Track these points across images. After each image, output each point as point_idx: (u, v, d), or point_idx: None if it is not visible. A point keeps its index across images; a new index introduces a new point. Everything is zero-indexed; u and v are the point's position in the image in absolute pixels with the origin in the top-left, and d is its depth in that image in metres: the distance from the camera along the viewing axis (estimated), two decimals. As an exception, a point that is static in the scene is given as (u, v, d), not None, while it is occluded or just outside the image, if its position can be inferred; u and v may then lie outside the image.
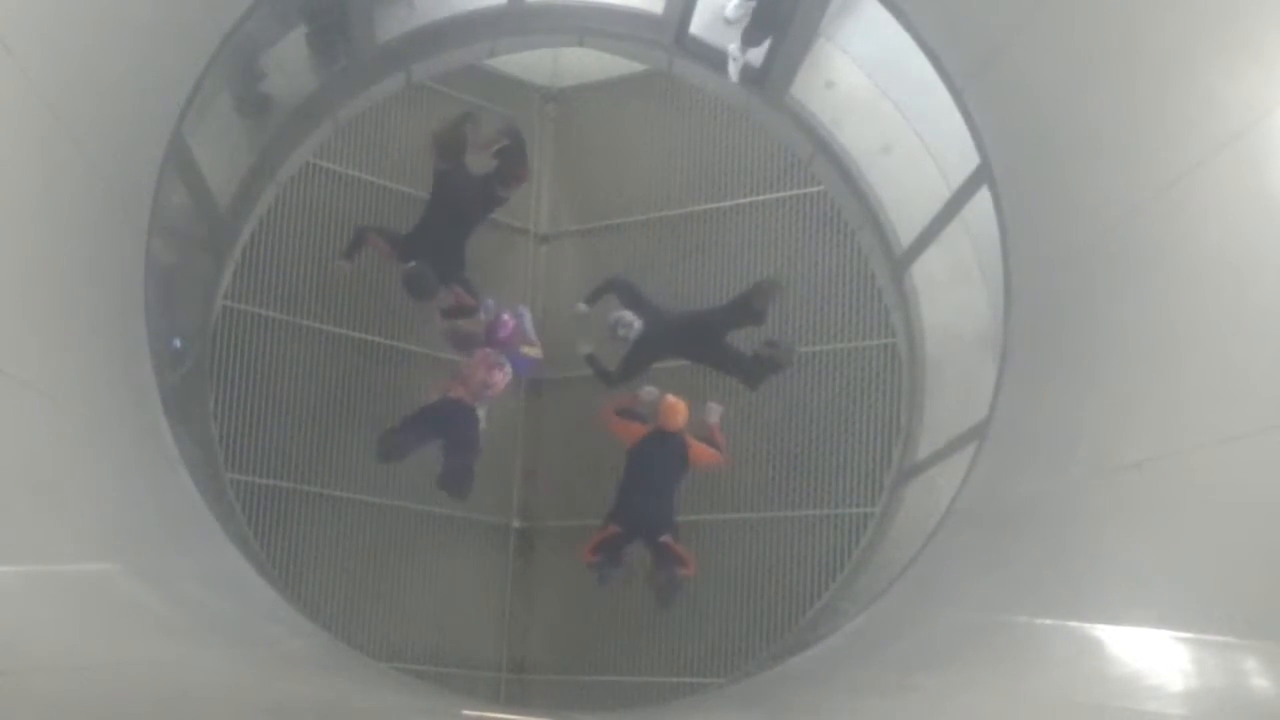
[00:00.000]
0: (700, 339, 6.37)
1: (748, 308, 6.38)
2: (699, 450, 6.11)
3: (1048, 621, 3.23)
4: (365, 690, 4.53)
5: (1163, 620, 2.75)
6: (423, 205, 6.63)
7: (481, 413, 6.12)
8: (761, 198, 7.62)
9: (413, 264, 6.16)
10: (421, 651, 7.22)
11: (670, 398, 6.05)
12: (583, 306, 6.37)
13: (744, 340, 6.58)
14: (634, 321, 6.13)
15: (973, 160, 5.16)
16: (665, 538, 6.02)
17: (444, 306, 6.45)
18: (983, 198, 5.10)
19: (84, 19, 3.26)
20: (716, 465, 6.33)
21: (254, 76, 6.39)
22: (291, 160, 6.97)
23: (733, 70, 6.83)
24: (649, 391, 6.32)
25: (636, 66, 7.64)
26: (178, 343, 6.05)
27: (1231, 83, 2.89)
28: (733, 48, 6.77)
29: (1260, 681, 2.43)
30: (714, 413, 6.28)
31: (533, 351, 6.48)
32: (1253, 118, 2.76)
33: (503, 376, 6.09)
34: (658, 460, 6.04)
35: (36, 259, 3.16)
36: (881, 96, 6.89)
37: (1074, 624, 3.07)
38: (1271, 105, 2.70)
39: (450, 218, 6.42)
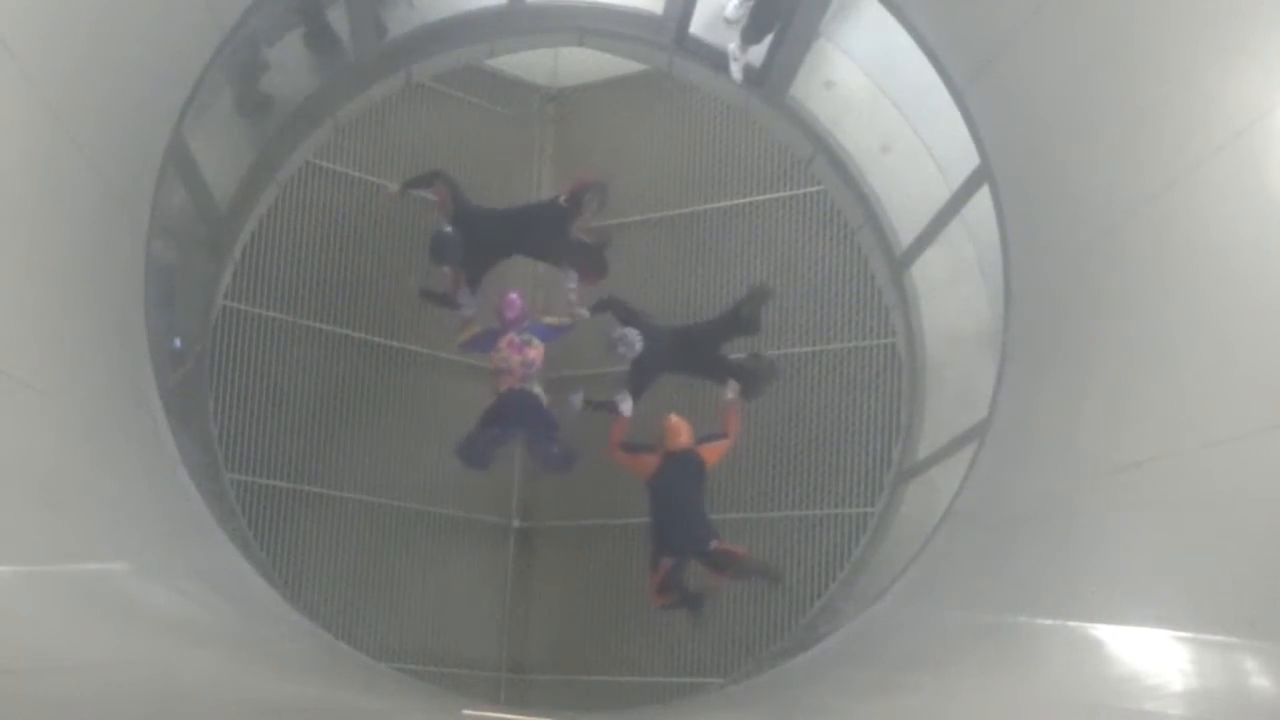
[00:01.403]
0: (695, 351, 6.35)
1: (737, 317, 6.35)
2: (709, 452, 6.08)
3: (1048, 621, 3.24)
4: (365, 690, 4.53)
5: (1163, 620, 2.75)
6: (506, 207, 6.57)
7: (538, 389, 6.16)
8: (761, 198, 7.62)
9: (449, 229, 6.06)
10: (421, 651, 7.22)
11: (673, 419, 6.03)
12: (577, 400, 6.36)
13: (737, 351, 6.54)
14: (635, 340, 6.10)
15: (973, 160, 5.16)
16: (714, 544, 6.00)
17: (427, 288, 6.39)
18: (983, 198, 5.10)
19: (84, 20, 3.26)
20: (729, 450, 6.29)
21: (254, 75, 6.37)
22: (291, 160, 6.97)
23: (735, 70, 6.83)
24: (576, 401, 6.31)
25: (636, 66, 7.64)
26: (178, 343, 6.05)
27: (1231, 83, 2.89)
28: (732, 47, 6.77)
29: (1260, 681, 2.43)
30: (730, 389, 6.22)
31: (552, 319, 6.45)
32: (1253, 118, 2.76)
33: (536, 351, 6.09)
34: (679, 482, 6.01)
35: (36, 259, 3.16)
36: (881, 96, 6.89)
37: (1074, 624, 3.07)
38: (1271, 105, 2.70)
39: (516, 237, 6.34)
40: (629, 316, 6.24)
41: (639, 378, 6.21)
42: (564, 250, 6.44)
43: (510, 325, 6.14)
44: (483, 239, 6.16)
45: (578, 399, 6.23)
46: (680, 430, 5.98)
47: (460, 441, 6.26)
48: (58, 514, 3.01)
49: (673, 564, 6.02)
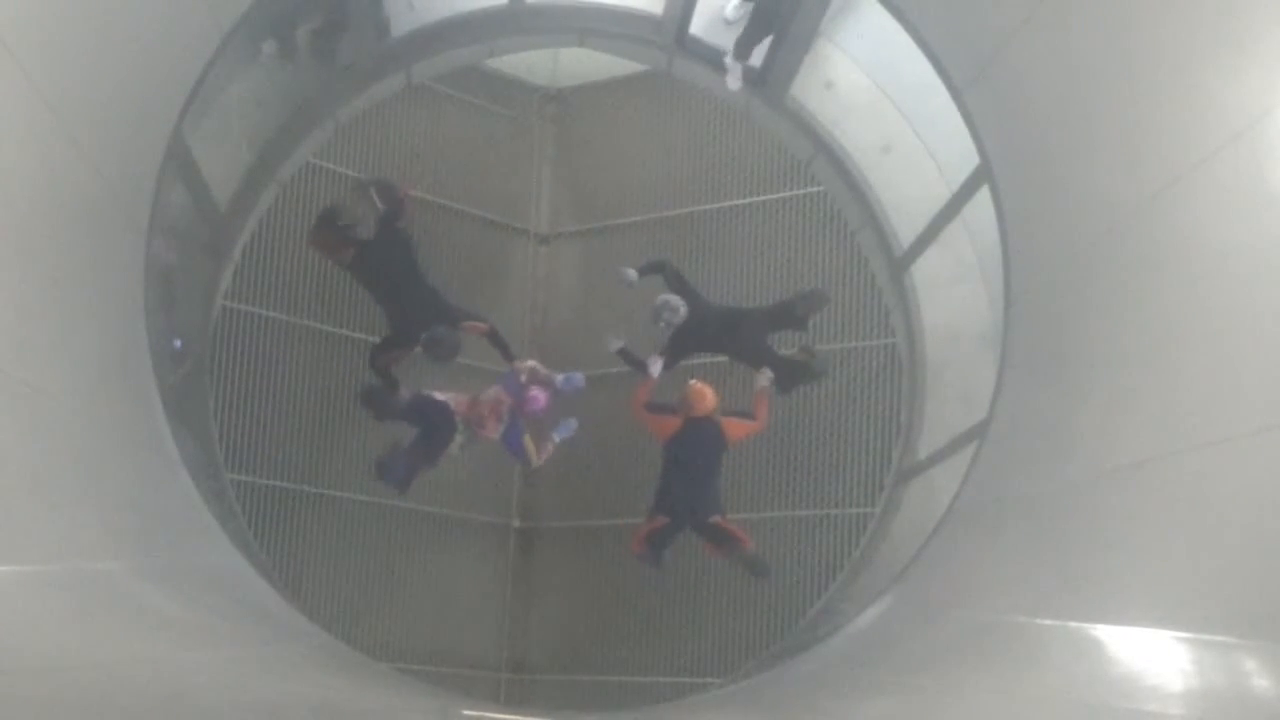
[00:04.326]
0: (740, 335, 6.27)
1: (792, 313, 6.29)
2: (733, 427, 6.03)
3: (1048, 621, 3.23)
4: (365, 690, 4.53)
5: (1163, 620, 2.75)
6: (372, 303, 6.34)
7: (459, 438, 6.05)
8: (762, 198, 7.62)
9: (425, 335, 5.95)
10: (421, 651, 7.22)
11: (696, 384, 5.99)
12: (632, 273, 6.25)
13: (781, 344, 6.50)
14: (680, 307, 6.01)
15: (973, 160, 5.17)
16: (715, 518, 5.95)
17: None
18: (983, 198, 5.10)
19: (84, 19, 3.26)
20: (756, 433, 6.24)
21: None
22: (291, 160, 6.97)
23: (730, 80, 6.82)
24: (615, 345, 6.20)
25: (636, 66, 7.64)
26: (178, 343, 6.05)
27: (1231, 83, 2.89)
28: (728, 59, 6.76)
29: (1260, 681, 2.43)
30: (764, 376, 6.17)
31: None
32: (1253, 118, 2.76)
33: (495, 427, 6.06)
34: (695, 448, 5.97)
35: (37, 259, 3.16)
36: (881, 96, 6.89)
37: (1074, 624, 3.07)
38: (1271, 105, 2.70)
39: (394, 283, 6.04)
40: (679, 285, 6.18)
41: (676, 347, 6.16)
42: None
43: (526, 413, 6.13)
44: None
45: (616, 343, 6.18)
46: (704, 395, 5.94)
47: (376, 387, 6.10)
48: (58, 514, 3.01)
49: (666, 524, 5.99)
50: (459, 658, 7.42)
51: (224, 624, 4.02)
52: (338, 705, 3.88)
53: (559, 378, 6.35)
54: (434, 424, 5.94)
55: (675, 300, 6.01)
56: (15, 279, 2.98)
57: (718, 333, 6.24)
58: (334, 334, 7.23)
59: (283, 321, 7.04)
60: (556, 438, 6.46)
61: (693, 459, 5.97)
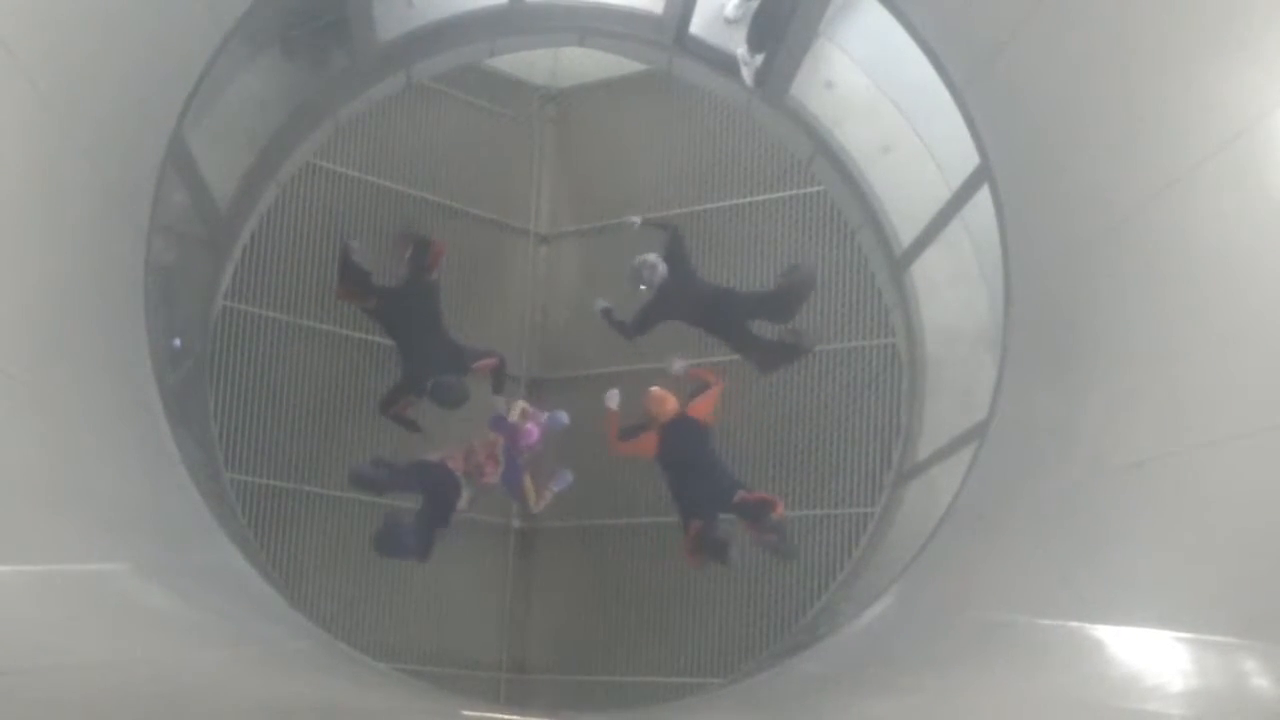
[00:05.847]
0: (722, 313, 6.23)
1: (780, 302, 6.21)
2: (702, 407, 6.00)
3: (1048, 621, 3.23)
4: (365, 690, 4.53)
5: (1163, 620, 2.75)
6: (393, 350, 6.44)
7: (467, 494, 6.05)
8: (761, 198, 7.62)
9: (433, 381, 6.02)
10: (421, 651, 7.23)
11: (654, 391, 5.98)
12: (636, 220, 6.25)
13: (766, 327, 6.39)
14: (659, 265, 5.95)
15: (973, 160, 5.16)
16: (738, 496, 5.85)
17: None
18: (983, 198, 5.10)
19: (85, 20, 3.26)
20: (720, 392, 6.17)
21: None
22: (291, 160, 6.97)
23: (746, 75, 6.81)
24: (679, 366, 6.23)
25: (636, 66, 7.64)
26: (178, 343, 6.05)
27: (1231, 83, 2.89)
28: (741, 52, 6.76)
29: (1260, 681, 2.42)
30: (676, 365, 6.18)
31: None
32: (1253, 118, 2.76)
33: (494, 470, 6.05)
34: (683, 449, 5.94)
35: (36, 259, 3.16)
36: (881, 96, 6.88)
37: (1074, 624, 3.07)
38: (1271, 105, 2.70)
39: (416, 333, 6.18)
40: (676, 250, 6.11)
41: (655, 310, 6.13)
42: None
43: (519, 448, 6.14)
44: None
45: (601, 303, 6.19)
46: (664, 399, 5.94)
47: (367, 463, 6.10)
48: (58, 514, 3.01)
49: (702, 525, 5.90)
50: (459, 658, 7.42)
51: (224, 624, 4.02)
52: (338, 705, 3.88)
53: (543, 416, 6.38)
54: (438, 487, 5.91)
55: (653, 259, 5.96)
56: (15, 278, 2.98)
57: (698, 305, 6.20)
58: (334, 334, 7.23)
59: (283, 321, 7.04)
60: (555, 488, 6.48)
61: (686, 459, 5.96)
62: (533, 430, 6.16)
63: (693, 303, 6.17)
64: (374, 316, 6.32)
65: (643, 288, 6.01)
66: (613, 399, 6.06)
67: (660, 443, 5.95)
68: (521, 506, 6.63)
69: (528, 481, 6.29)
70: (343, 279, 6.19)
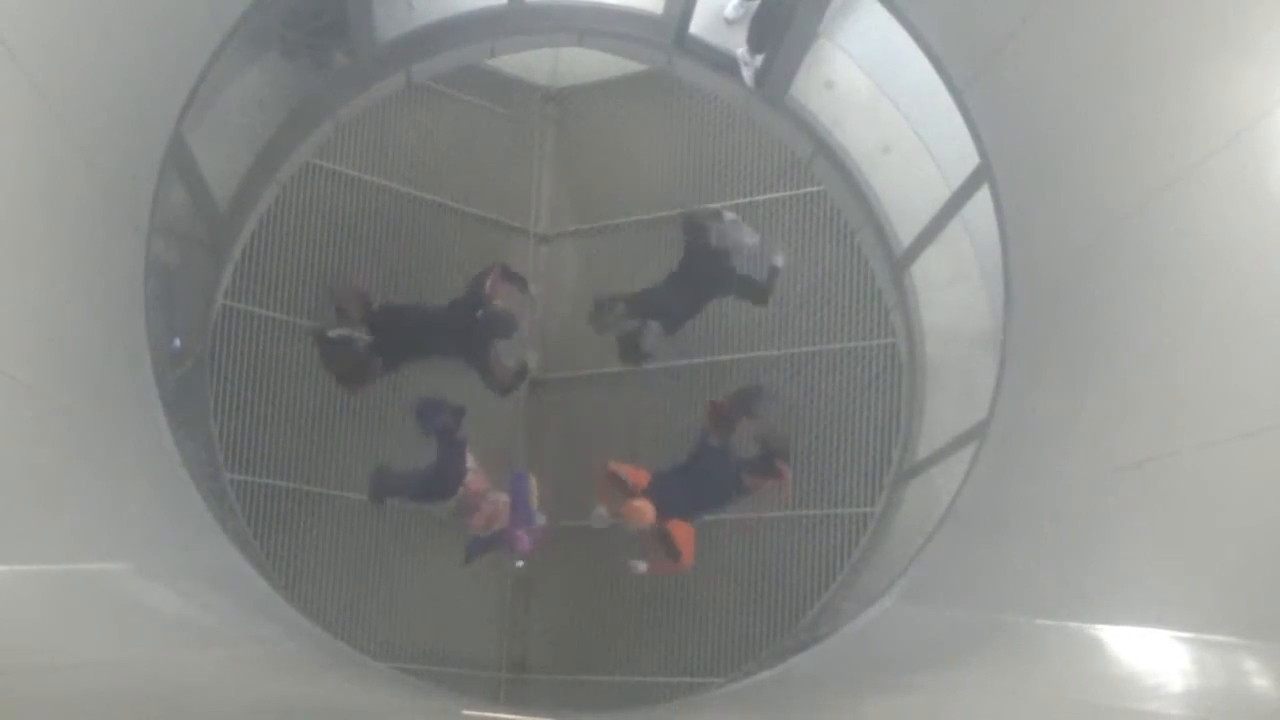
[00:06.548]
0: (699, 294, 6.55)
1: (747, 285, 6.52)
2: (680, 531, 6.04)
3: (1048, 621, 3.24)
4: (365, 690, 4.53)
5: (1163, 620, 2.75)
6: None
7: (452, 504, 6.15)
8: (761, 198, 7.62)
9: (418, 405, 6.15)
10: (421, 651, 7.21)
11: (633, 504, 5.94)
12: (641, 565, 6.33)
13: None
14: (656, 329, 6.31)
15: (973, 160, 5.17)
16: (747, 481, 6.15)
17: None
18: (983, 198, 5.10)
19: (84, 20, 3.26)
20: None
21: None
22: (291, 160, 6.97)
23: (747, 75, 6.83)
24: (599, 517, 6.27)
25: (636, 66, 7.64)
26: (178, 343, 6.05)
27: (1231, 83, 2.89)
28: (741, 52, 6.76)
29: (1260, 681, 2.43)
30: (639, 567, 6.25)
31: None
32: (1253, 118, 2.76)
33: (481, 527, 6.13)
34: (677, 494, 6.06)
35: (36, 259, 3.16)
36: (881, 96, 6.89)
37: (1074, 624, 3.07)
38: (1271, 105, 2.70)
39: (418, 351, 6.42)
40: (643, 308, 6.36)
41: (645, 307, 6.41)
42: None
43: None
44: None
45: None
46: (643, 511, 5.91)
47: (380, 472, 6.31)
48: (58, 514, 3.01)
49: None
50: (459, 658, 7.41)
51: (224, 624, 4.03)
52: (338, 705, 3.89)
53: (540, 520, 6.48)
54: (447, 468, 5.99)
55: (651, 324, 6.27)
56: (15, 278, 2.98)
57: (679, 303, 6.48)
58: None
59: (283, 321, 7.03)
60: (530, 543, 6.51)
61: (689, 496, 6.09)
62: (524, 539, 6.25)
63: (669, 300, 6.42)
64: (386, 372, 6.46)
65: (649, 345, 6.32)
66: (599, 518, 6.25)
67: (651, 499, 5.98)
68: (503, 555, 6.67)
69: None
70: (340, 374, 6.40)
